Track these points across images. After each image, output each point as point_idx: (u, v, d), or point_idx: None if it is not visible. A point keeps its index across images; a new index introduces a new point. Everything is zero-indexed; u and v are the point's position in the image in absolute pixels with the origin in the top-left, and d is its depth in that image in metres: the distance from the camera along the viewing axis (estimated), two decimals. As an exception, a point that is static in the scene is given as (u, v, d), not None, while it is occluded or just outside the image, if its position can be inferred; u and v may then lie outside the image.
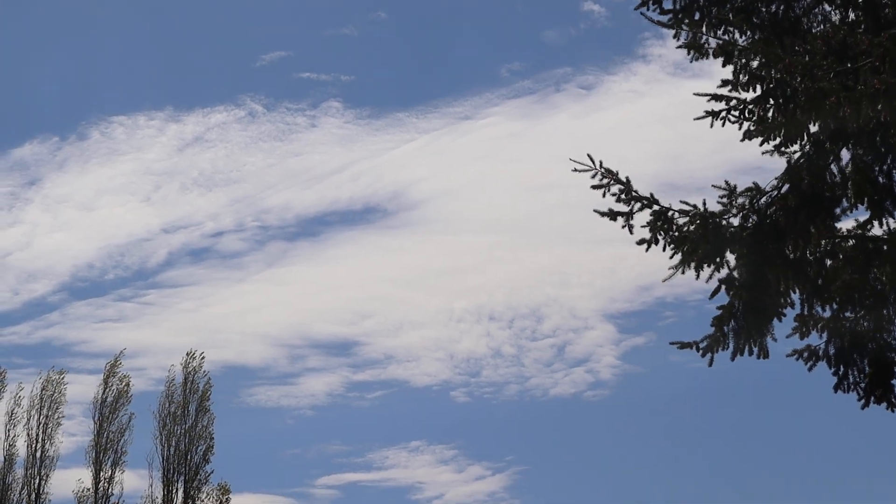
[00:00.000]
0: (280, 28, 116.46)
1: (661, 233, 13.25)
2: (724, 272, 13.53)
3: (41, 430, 57.50)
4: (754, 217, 13.50)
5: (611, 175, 13.27)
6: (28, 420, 57.68)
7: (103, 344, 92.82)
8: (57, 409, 58.34)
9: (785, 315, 13.65)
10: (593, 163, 13.34)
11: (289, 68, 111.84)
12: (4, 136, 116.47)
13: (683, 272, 13.38)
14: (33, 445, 57.16)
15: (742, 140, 13.19)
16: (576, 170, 13.34)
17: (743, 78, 12.94)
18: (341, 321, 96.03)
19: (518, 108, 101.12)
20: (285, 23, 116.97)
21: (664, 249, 13.29)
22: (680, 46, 13.93)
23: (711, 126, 13.18)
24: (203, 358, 60.76)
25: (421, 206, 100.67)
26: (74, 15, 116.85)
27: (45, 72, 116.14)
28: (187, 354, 60.64)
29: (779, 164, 13.77)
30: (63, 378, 59.29)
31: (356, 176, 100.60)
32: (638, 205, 13.29)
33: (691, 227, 13.15)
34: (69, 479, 58.48)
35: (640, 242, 13.30)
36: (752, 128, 13.09)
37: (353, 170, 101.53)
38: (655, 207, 13.31)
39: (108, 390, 58.96)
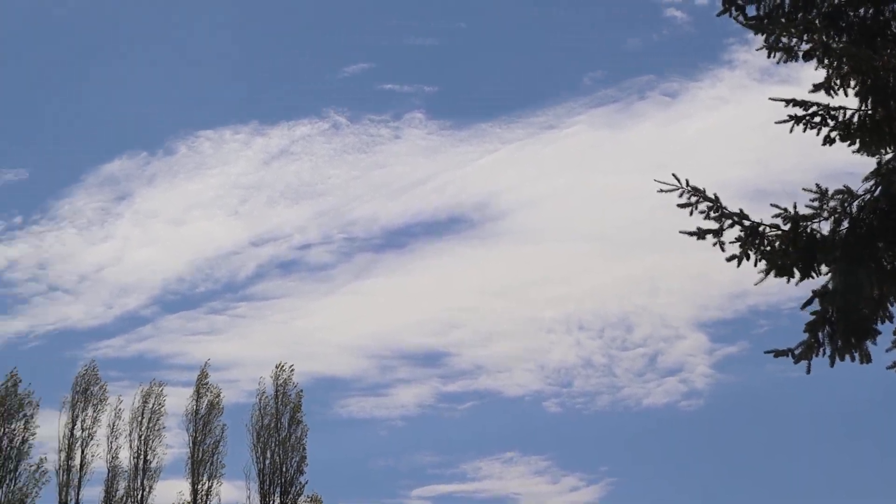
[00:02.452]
0: (362, 40, 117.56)
1: (752, 249, 13.05)
2: (818, 281, 13.25)
3: (143, 443, 58.54)
4: (846, 222, 13.19)
5: (698, 193, 13.10)
6: (130, 432, 58.75)
7: (196, 356, 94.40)
8: (157, 421, 59.40)
9: (881, 333, 13.41)
10: (678, 182, 13.19)
11: (372, 80, 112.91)
12: (94, 152, 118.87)
13: (776, 276, 13.29)
14: (136, 457, 58.22)
15: (823, 144, 13.00)
16: (661, 190, 13.15)
17: (836, 80, 12.79)
18: (430, 332, 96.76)
19: (601, 117, 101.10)
20: (368, 35, 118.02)
21: (755, 265, 13.06)
22: (764, 47, 13.55)
23: (791, 131, 12.98)
24: (292, 370, 61.53)
25: (507, 216, 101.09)
26: (160, 32, 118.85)
27: (132, 88, 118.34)
28: (276, 367, 61.46)
29: (871, 167, 13.62)
30: (162, 391, 60.34)
31: (441, 187, 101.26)
32: (728, 221, 13.09)
33: (780, 238, 13.03)
34: (168, 491, 59.61)
35: (731, 259, 13.09)
36: (833, 133, 12.91)
37: (438, 181, 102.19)
38: (746, 223, 13.09)
39: (200, 402, 59.92)
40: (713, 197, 13.10)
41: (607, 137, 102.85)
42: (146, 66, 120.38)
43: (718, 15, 14.14)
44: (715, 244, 13.13)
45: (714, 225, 13.11)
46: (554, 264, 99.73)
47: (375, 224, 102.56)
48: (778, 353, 13.36)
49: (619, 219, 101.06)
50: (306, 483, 59.09)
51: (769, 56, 13.78)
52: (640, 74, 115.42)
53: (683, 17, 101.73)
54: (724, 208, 13.08)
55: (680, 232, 12.91)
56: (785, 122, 13.05)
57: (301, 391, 61.02)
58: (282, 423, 59.66)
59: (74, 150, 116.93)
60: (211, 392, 60.44)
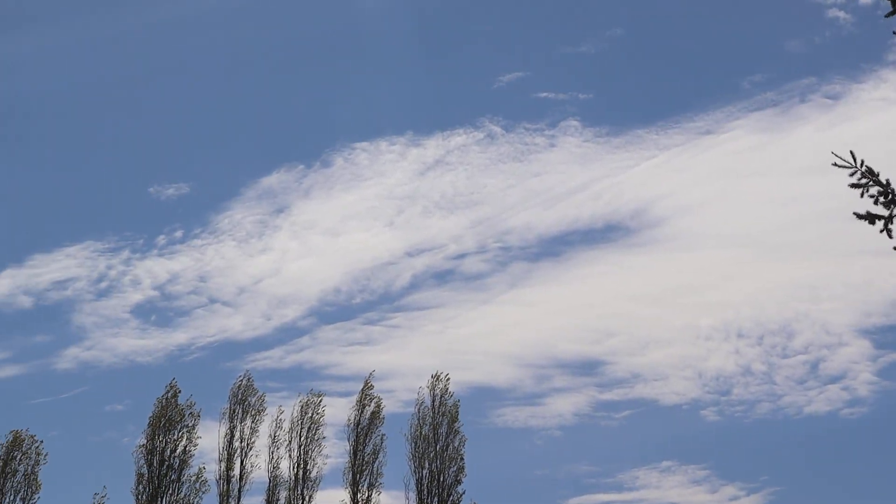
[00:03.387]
0: (517, 49, 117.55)
1: (922, 238, 12.60)
2: None
3: (302, 452, 58.99)
4: None
5: (871, 175, 12.76)
6: (289, 442, 59.29)
7: (352, 367, 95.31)
8: (316, 431, 59.79)
9: None
10: (854, 160, 12.86)
11: (526, 88, 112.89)
12: (253, 165, 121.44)
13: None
14: (296, 467, 58.69)
15: None
16: (836, 164, 12.88)
17: None
18: (586, 340, 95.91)
19: (761, 121, 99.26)
20: (522, 43, 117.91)
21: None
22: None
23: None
24: (448, 380, 61.47)
25: (663, 223, 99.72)
26: (316, 47, 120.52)
27: (289, 101, 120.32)
28: (433, 377, 61.47)
29: None
30: (321, 401, 60.77)
31: (597, 195, 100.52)
32: (899, 208, 12.69)
33: None
34: (326, 500, 59.94)
35: (898, 247, 12.71)
36: None
37: (594, 188, 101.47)
38: (917, 211, 12.67)
39: (362, 412, 60.15)
40: (885, 182, 12.63)
41: (767, 142, 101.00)
42: (303, 80, 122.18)
43: (887, 16, 13.54)
44: (882, 231, 12.61)
45: (884, 211, 12.61)
46: (711, 271, 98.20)
47: (531, 233, 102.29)
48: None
49: (778, 224, 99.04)
50: (464, 493, 58.94)
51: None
52: (802, 77, 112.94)
53: (847, 17, 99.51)
54: (896, 194, 12.54)
55: (853, 213, 12.40)
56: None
57: (458, 401, 60.96)
58: (439, 433, 59.59)
59: (234, 165, 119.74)
60: (373, 402, 60.66)
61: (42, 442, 58.69)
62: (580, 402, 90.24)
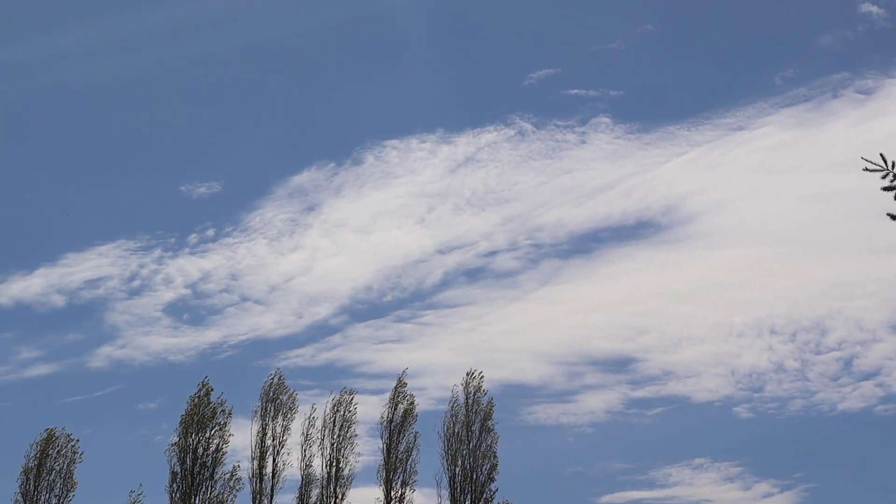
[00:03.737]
0: (547, 46, 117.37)
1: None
2: None
3: (335, 450, 59.06)
4: None
5: (903, 176, 12.60)
6: (322, 440, 59.36)
7: (384, 365, 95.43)
8: (349, 429, 59.85)
9: None
10: (885, 162, 12.75)
11: (557, 85, 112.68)
12: (284, 163, 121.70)
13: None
14: (329, 465, 58.78)
15: None
16: (867, 169, 12.80)
17: None
18: (618, 337, 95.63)
19: (793, 117, 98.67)
20: (552, 40, 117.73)
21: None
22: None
23: None
24: (482, 377, 61.48)
25: (695, 220, 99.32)
26: (346, 45, 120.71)
27: (320, 99, 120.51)
28: (467, 374, 61.53)
29: None
30: (353, 399, 60.83)
31: (628, 191, 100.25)
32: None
33: None
34: (359, 498, 60.04)
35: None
36: None
37: (625, 185, 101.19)
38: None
39: (395, 410, 60.18)
40: (918, 184, 12.44)
41: (798, 137, 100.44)
42: (333, 79, 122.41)
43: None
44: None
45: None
46: (743, 267, 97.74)
47: (562, 230, 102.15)
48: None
49: (810, 220, 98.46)
50: (497, 491, 58.87)
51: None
52: (834, 72, 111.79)
53: (880, 12, 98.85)
54: (928, 195, 12.39)
55: (887, 214, 12.29)
56: None
57: (492, 399, 61.00)
58: (472, 431, 59.59)
59: (265, 163, 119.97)
60: (406, 400, 60.68)
61: (78, 441, 59.12)
62: (612, 399, 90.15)
